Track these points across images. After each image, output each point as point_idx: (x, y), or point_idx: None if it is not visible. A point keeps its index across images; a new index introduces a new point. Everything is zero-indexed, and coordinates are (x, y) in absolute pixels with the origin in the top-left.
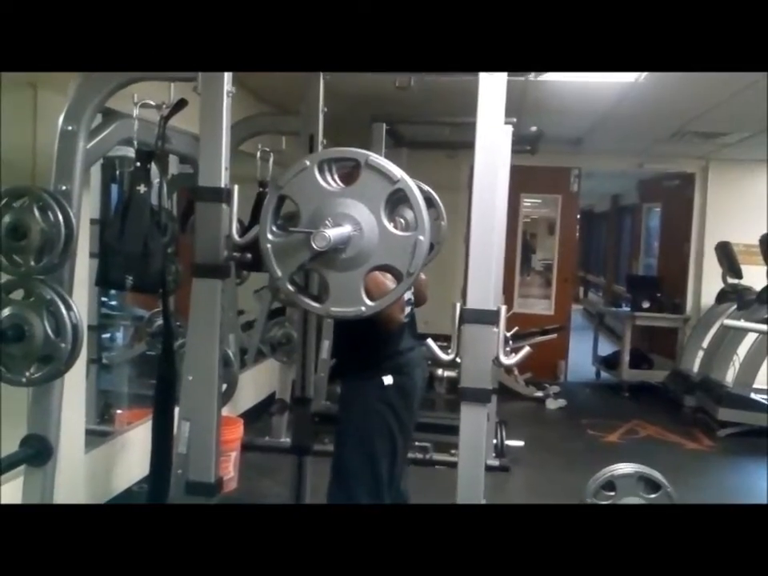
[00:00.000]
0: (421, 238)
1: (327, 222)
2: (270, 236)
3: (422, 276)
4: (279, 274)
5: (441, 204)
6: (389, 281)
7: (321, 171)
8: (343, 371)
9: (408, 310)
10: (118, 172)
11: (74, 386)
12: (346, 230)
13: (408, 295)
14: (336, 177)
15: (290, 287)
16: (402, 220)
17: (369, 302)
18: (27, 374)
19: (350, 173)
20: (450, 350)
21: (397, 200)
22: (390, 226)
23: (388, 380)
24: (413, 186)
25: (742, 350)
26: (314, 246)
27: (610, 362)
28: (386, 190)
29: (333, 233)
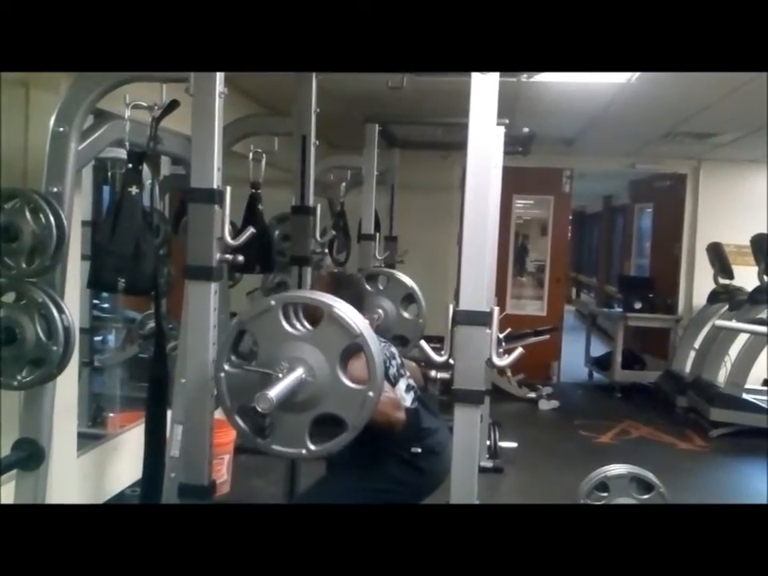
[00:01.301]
0: (371, 394)
1: (283, 363)
2: (226, 366)
3: (413, 364)
4: (228, 405)
5: (422, 302)
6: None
7: (285, 313)
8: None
9: (412, 395)
10: (109, 173)
11: (66, 389)
12: (296, 376)
13: (407, 381)
14: (300, 315)
15: (238, 419)
16: (377, 312)
17: (311, 447)
18: (19, 377)
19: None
20: (443, 352)
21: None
22: (343, 377)
23: (417, 450)
24: (372, 341)
25: (734, 350)
26: (257, 408)
27: (602, 363)
28: (345, 342)
29: (277, 393)
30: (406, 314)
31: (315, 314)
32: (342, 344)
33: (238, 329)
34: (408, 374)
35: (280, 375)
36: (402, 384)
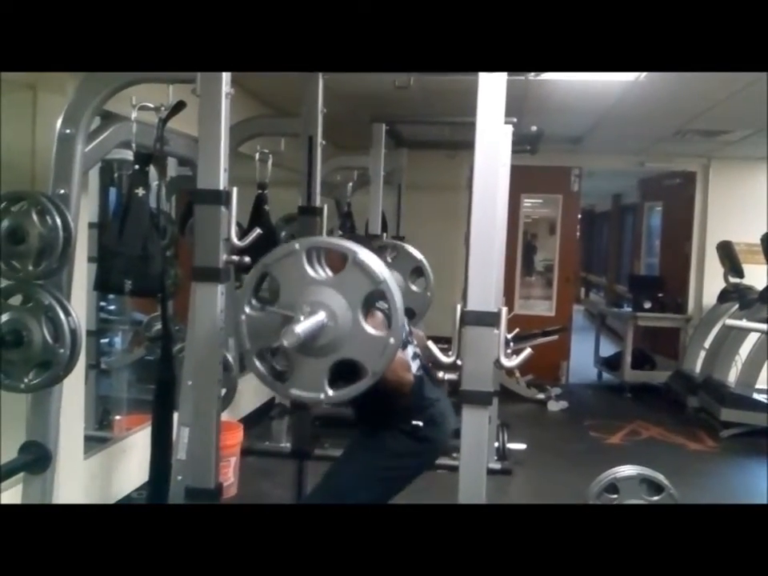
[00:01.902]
0: (391, 341)
1: (305, 307)
2: (247, 309)
3: (420, 333)
4: (248, 347)
5: (431, 275)
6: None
7: (308, 257)
8: (366, 420)
9: (418, 363)
10: (116, 175)
11: (73, 391)
12: (319, 319)
13: (413, 349)
14: (323, 260)
15: (256, 362)
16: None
17: (329, 392)
18: (26, 379)
19: (339, 257)
20: (450, 353)
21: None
22: (364, 323)
23: (417, 423)
24: (394, 288)
25: (745, 349)
26: (283, 342)
27: (611, 363)
28: (368, 288)
29: (304, 329)
30: (414, 287)
31: (336, 264)
32: (365, 290)
33: (261, 271)
34: (415, 341)
35: (302, 318)
36: (409, 350)
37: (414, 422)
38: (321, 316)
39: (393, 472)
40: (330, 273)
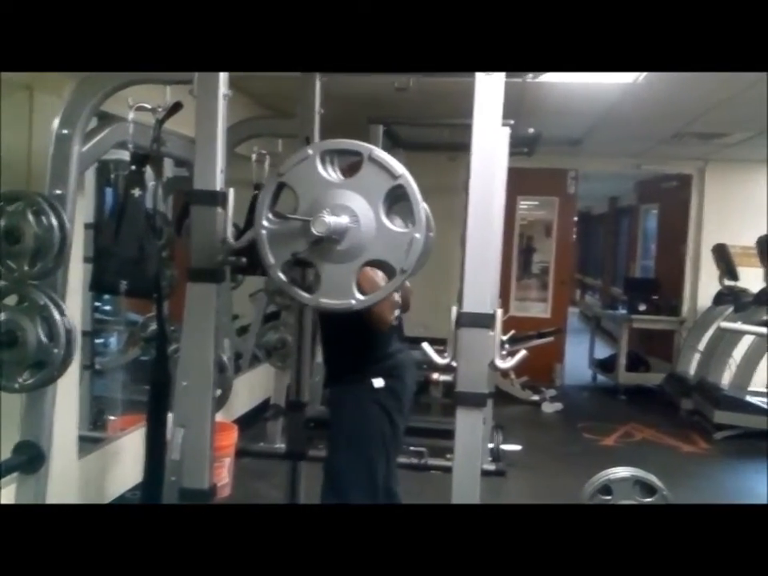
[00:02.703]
0: (417, 235)
1: (325, 212)
2: (265, 222)
3: (407, 283)
4: (272, 261)
5: (432, 219)
6: (380, 278)
7: (323, 161)
8: (333, 376)
9: (397, 312)
10: (112, 176)
11: (67, 392)
12: (344, 219)
13: (396, 297)
14: (337, 168)
15: (282, 276)
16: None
17: (359, 296)
18: (20, 379)
19: (351, 166)
20: (445, 354)
21: (396, 197)
22: (387, 222)
23: (378, 383)
24: (413, 183)
25: (739, 352)
26: (313, 231)
27: (606, 365)
28: (387, 185)
29: (332, 219)
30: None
31: (351, 172)
32: (384, 187)
33: (277, 181)
34: (399, 292)
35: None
36: (396, 295)
37: (375, 384)
38: (344, 219)
39: (371, 426)
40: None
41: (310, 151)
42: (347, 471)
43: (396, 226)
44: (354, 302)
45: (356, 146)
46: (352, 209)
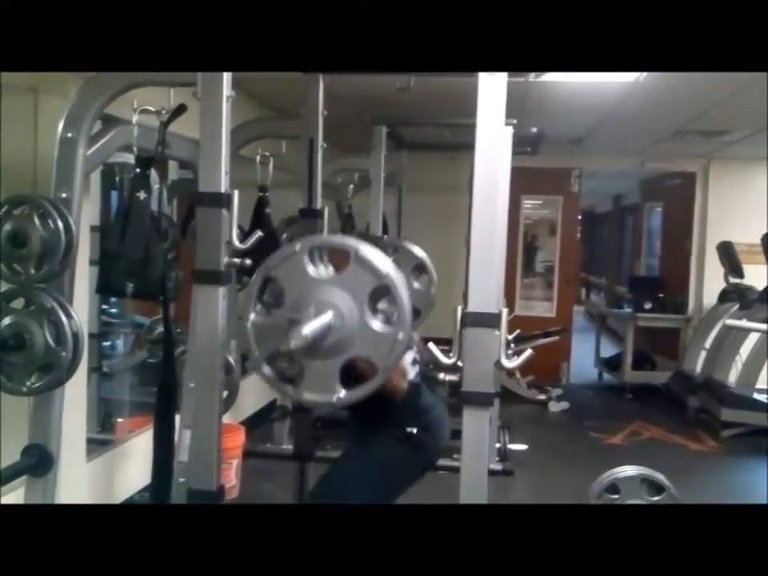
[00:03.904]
0: (400, 336)
1: (311, 308)
2: (252, 315)
3: (415, 336)
4: (257, 354)
5: (433, 273)
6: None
7: (310, 257)
8: (361, 425)
9: (417, 369)
10: (117, 178)
11: (75, 394)
12: (326, 319)
13: (413, 355)
14: (325, 260)
15: (266, 368)
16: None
17: (342, 393)
18: (28, 383)
19: (343, 256)
20: (451, 354)
21: (382, 293)
22: (371, 320)
23: (412, 430)
24: (399, 282)
25: (745, 349)
26: (291, 345)
27: (612, 364)
28: (372, 284)
29: (311, 330)
30: (416, 284)
31: (340, 263)
32: (369, 286)
33: (264, 275)
34: (415, 347)
35: (312, 315)
36: (408, 356)
37: (408, 430)
38: (327, 316)
39: (384, 480)
40: (332, 271)
41: (298, 247)
42: (340, 492)
43: (383, 314)
44: (335, 398)
45: (343, 244)
46: (338, 306)
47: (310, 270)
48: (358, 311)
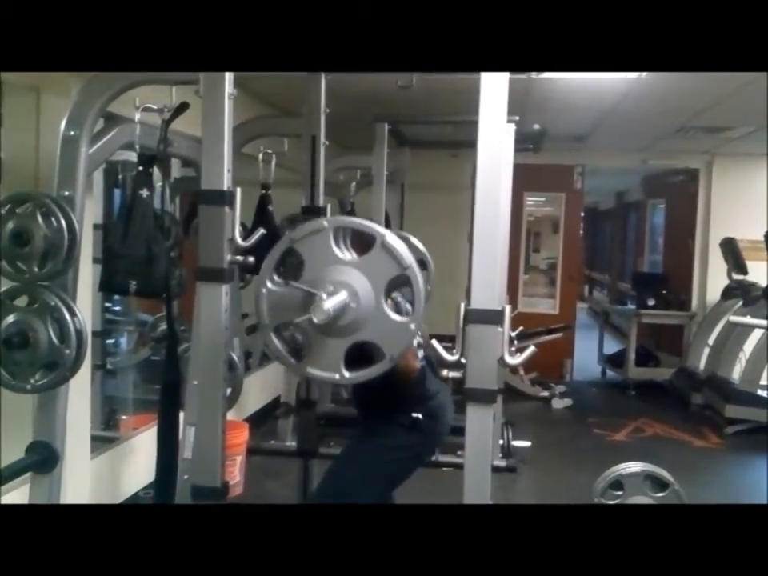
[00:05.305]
0: (412, 326)
1: (329, 286)
2: (268, 283)
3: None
4: (267, 321)
5: (432, 268)
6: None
7: (335, 236)
8: (368, 414)
9: (421, 353)
10: (120, 176)
11: (79, 392)
12: (343, 298)
13: (418, 339)
14: (348, 240)
15: (273, 337)
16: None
17: (345, 373)
18: (32, 380)
19: (364, 241)
20: (454, 351)
21: (400, 282)
22: (386, 307)
23: (417, 415)
24: (419, 275)
25: (749, 346)
26: (313, 318)
27: (615, 361)
28: (393, 272)
29: (332, 305)
30: None
31: (362, 247)
32: (390, 274)
33: (287, 245)
34: (419, 332)
35: (324, 296)
36: (414, 341)
37: (414, 415)
38: (344, 295)
39: (392, 466)
40: (354, 255)
41: (325, 224)
42: (345, 487)
43: (393, 303)
44: (338, 377)
45: (372, 228)
46: (355, 289)
47: (334, 248)
48: (374, 296)
